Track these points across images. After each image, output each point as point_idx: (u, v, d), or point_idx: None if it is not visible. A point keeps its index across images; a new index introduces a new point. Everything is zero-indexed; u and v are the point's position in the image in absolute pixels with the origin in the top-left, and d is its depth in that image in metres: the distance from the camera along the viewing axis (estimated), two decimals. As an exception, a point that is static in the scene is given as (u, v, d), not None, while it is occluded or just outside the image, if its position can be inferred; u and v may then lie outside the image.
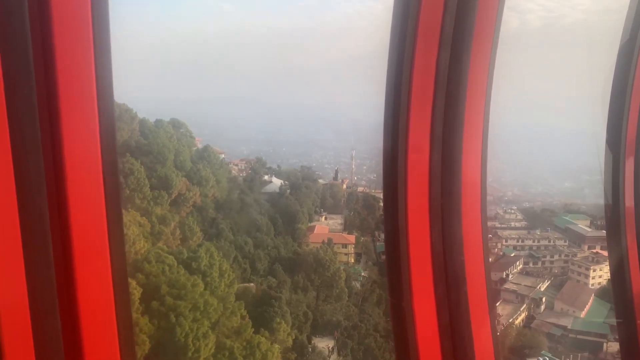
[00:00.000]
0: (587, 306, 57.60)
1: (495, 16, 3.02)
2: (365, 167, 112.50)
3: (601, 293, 59.34)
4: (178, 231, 40.30)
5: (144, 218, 38.54)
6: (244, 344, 30.90)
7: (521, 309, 56.75)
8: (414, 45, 2.91)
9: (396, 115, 3.03)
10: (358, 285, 52.56)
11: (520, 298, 57.36)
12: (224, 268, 35.05)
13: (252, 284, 42.27)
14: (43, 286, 2.10)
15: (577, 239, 66.86)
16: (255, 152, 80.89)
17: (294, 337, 37.29)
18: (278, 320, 35.60)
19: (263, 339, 32.20)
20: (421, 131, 3.04)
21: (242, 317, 32.92)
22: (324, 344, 42.02)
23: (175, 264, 30.89)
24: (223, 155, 61.60)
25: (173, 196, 45.56)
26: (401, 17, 2.93)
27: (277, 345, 33.50)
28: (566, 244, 66.24)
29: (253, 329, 33.46)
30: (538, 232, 68.15)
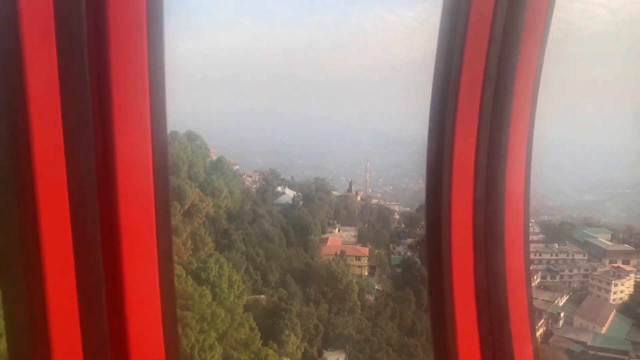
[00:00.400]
0: (608, 322, 56.11)
1: (542, 30, 2.95)
2: (381, 180, 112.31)
3: (623, 308, 58.03)
4: (190, 242, 40.05)
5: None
6: (252, 356, 30.35)
7: (539, 324, 54.78)
8: (461, 55, 2.82)
9: (440, 149, 2.94)
10: (371, 298, 51.87)
11: (538, 313, 54.88)
12: (233, 279, 34.66)
13: (262, 296, 41.80)
14: (92, 288, 2.14)
15: (598, 253, 65.42)
16: (271, 164, 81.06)
17: (303, 350, 36.61)
18: (287, 332, 35.01)
19: (271, 352, 31.61)
20: (465, 164, 2.97)
21: (251, 329, 32.38)
22: (335, 357, 41.29)
23: (184, 274, 30.55)
24: (237, 167, 61.75)
25: (186, 207, 45.50)
26: (449, 22, 2.85)
27: (285, 358, 32.86)
28: (585, 257, 64.85)
29: (262, 341, 32.87)
30: (556, 245, 66.65)
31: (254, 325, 34.16)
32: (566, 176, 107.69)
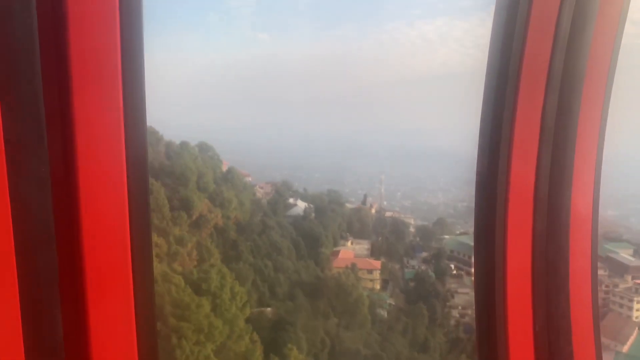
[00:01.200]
0: (630, 340, 53.77)
1: (610, 51, 2.52)
2: (399, 194, 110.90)
3: (646, 326, 55.71)
4: (195, 252, 39.42)
5: (161, 238, 37.91)
6: (251, 370, 29.36)
7: None
8: (520, 58, 2.37)
9: (493, 173, 2.51)
10: (383, 312, 50.55)
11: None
12: (236, 290, 33.90)
13: (269, 309, 40.87)
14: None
15: (619, 269, 63.00)
16: (287, 177, 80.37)
17: (306, 364, 35.48)
18: (290, 346, 33.92)
19: (271, 365, 30.57)
20: (524, 193, 2.54)
21: (252, 342, 31.38)
22: (342, 372, 39.97)
23: (183, 284, 29.78)
24: (250, 179, 61.19)
25: (194, 217, 45.07)
26: (506, 17, 2.37)
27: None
28: (607, 273, 62.36)
29: (264, 355, 31.86)
30: (576, 261, 64.33)
31: (256, 338, 33.24)
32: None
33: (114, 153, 1.90)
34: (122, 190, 1.92)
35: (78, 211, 1.85)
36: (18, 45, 1.66)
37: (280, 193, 59.52)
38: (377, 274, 54.32)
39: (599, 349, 2.88)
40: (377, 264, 55.40)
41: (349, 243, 59.96)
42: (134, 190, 1.93)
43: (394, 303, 51.61)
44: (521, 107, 2.42)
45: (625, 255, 65.63)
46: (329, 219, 58.40)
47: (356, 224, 63.69)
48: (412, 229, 67.17)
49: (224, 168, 54.71)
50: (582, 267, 2.75)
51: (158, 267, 32.44)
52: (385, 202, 79.58)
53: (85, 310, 1.90)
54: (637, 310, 57.46)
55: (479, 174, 2.54)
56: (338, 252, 55.68)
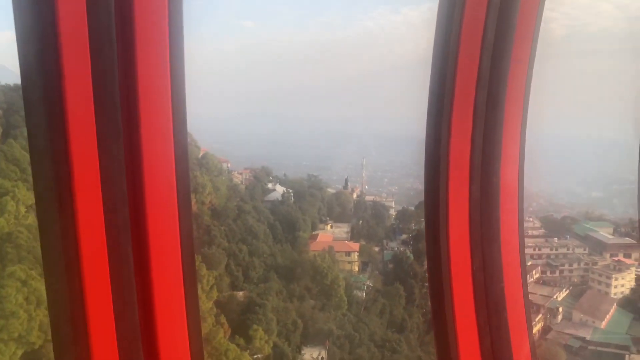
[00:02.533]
0: (608, 316, 53.19)
1: (534, 24, 3.09)
2: (386, 180, 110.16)
3: (624, 302, 55.03)
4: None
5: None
6: (211, 350, 28.51)
7: (536, 320, 51.97)
8: (456, 60, 2.94)
9: (436, 150, 3.06)
10: (361, 294, 49.94)
11: (535, 308, 52.39)
12: (202, 273, 32.98)
13: (241, 292, 40.12)
14: (124, 287, 2.24)
15: (599, 247, 62.28)
16: (275, 166, 79.41)
17: (272, 345, 34.66)
18: (255, 327, 33.15)
19: (232, 346, 29.68)
20: (461, 164, 3.08)
21: (217, 324, 30.57)
22: (315, 353, 39.23)
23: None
24: (229, 164, 60.25)
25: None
26: (444, 28, 2.94)
27: (247, 353, 30.89)
28: (586, 251, 61.79)
29: (227, 336, 31.09)
30: (556, 240, 63.56)
31: (223, 320, 32.47)
32: (575, 174, 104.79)
33: (165, 149, 2.29)
34: (171, 186, 2.33)
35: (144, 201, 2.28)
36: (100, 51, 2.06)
37: (259, 178, 58.68)
38: (355, 256, 53.93)
39: (526, 288, 3.39)
40: (356, 246, 54.92)
41: (328, 227, 59.52)
42: (180, 187, 2.34)
43: (371, 284, 51.07)
44: (458, 97, 2.95)
45: (604, 233, 65.01)
46: (308, 203, 57.73)
47: (337, 208, 62.99)
48: (392, 212, 66.49)
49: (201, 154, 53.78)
50: (511, 221, 3.26)
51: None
52: (366, 187, 78.79)
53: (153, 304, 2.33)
54: (616, 287, 56.82)
55: (427, 151, 3.05)
56: (317, 235, 55.24)
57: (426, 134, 3.04)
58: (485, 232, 3.16)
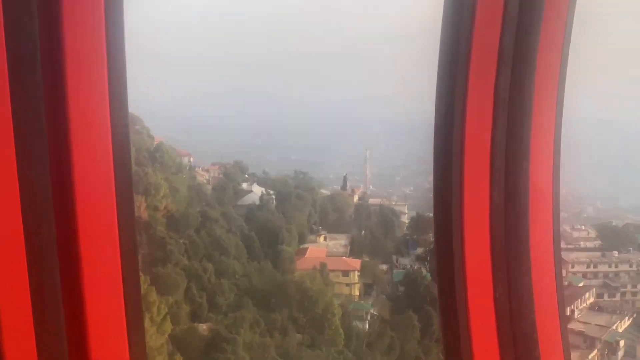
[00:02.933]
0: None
1: None
2: (398, 178, 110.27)
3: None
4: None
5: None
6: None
7: (590, 357, 53.25)
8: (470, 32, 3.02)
9: (449, 146, 3.11)
10: (363, 325, 50.13)
11: (589, 342, 53.93)
12: (151, 300, 32.82)
13: (205, 324, 40.10)
14: (49, 320, 2.27)
15: (671, 263, 63.25)
16: (252, 160, 79.39)
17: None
18: (221, 370, 33.19)
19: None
20: (480, 164, 3.14)
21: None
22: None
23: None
24: (191, 159, 60.16)
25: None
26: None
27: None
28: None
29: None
30: (616, 254, 64.76)
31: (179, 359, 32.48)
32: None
33: (102, 142, 2.35)
34: (109, 180, 2.38)
35: (73, 193, 2.29)
36: (22, 49, 2.10)
37: (231, 177, 58.54)
38: (355, 277, 54.01)
39: (564, 319, 3.36)
40: (356, 263, 54.98)
41: (320, 238, 59.67)
42: (120, 180, 2.40)
43: (376, 313, 51.37)
44: (473, 80, 3.00)
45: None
46: (294, 208, 57.83)
47: (332, 215, 63.09)
48: (405, 220, 66.57)
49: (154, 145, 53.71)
50: (544, 234, 3.26)
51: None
52: (371, 187, 78.97)
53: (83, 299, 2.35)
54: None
55: (436, 147, 3.12)
56: (305, 250, 55.30)
57: (434, 129, 3.14)
58: (511, 249, 3.20)
